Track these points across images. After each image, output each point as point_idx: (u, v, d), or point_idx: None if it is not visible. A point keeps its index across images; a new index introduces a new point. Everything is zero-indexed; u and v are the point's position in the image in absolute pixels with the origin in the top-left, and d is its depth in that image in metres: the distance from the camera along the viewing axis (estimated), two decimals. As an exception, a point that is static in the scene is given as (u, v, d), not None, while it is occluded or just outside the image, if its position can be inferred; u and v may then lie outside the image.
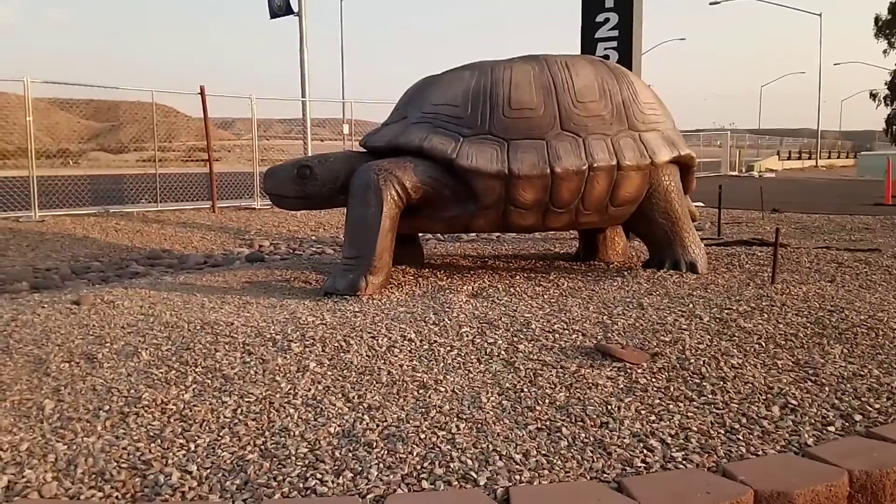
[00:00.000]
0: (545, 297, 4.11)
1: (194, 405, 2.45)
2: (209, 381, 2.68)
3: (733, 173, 28.06)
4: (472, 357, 2.95)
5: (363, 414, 2.38)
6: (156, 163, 10.58)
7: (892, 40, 43.62)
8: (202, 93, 9.81)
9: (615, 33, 6.70)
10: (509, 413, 2.38)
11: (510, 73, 4.53)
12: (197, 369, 2.81)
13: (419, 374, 2.75)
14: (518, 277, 4.77)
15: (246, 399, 2.50)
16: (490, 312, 3.66)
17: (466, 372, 2.78)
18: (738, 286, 4.29)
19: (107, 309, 3.92)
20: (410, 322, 3.48)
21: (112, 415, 2.38)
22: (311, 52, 12.56)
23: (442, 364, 2.88)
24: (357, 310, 3.79)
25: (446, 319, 3.52)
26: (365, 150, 4.88)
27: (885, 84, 44.53)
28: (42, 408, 2.44)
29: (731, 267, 5.08)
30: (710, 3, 38.73)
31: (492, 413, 2.38)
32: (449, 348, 3.06)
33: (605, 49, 6.75)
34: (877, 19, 43.62)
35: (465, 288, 4.39)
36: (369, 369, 2.80)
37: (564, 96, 4.50)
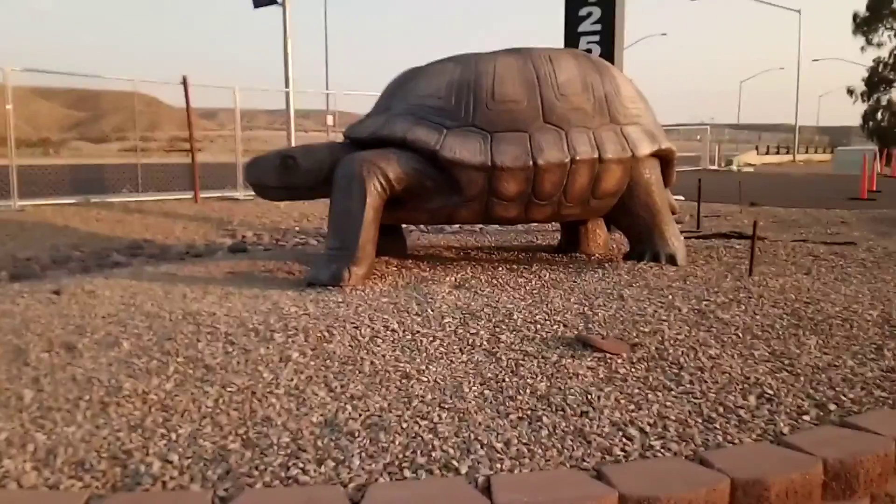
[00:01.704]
0: (527, 288, 4.14)
1: (175, 395, 2.44)
2: (191, 372, 2.67)
3: (713, 167, 28.33)
4: (455, 347, 2.97)
5: (346, 403, 2.39)
6: (138, 153, 10.45)
7: (870, 37, 44.10)
8: (185, 83, 9.70)
9: (598, 27, 6.74)
10: (491, 403, 2.41)
11: (494, 65, 4.54)
12: (178, 359, 2.80)
13: (402, 365, 2.76)
14: (500, 269, 4.79)
15: (228, 389, 2.50)
16: (472, 303, 3.68)
17: (449, 362, 2.80)
18: (717, 278, 4.35)
19: (87, 299, 3.89)
20: (393, 313, 3.49)
21: (92, 405, 2.36)
22: (295, 43, 12.46)
23: (425, 354, 2.89)
24: (340, 300, 3.79)
25: (429, 310, 3.53)
26: (349, 142, 4.87)
27: (863, 80, 45.05)
28: (21, 398, 2.42)
29: (709, 259, 5.14)
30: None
31: (474, 403, 2.40)
32: (432, 339, 3.08)
33: (588, 43, 6.78)
34: (855, 16, 44.04)
35: (447, 279, 4.40)
36: (352, 359, 2.81)
37: (547, 89, 4.51)
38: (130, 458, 1.99)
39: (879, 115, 44.71)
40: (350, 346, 2.98)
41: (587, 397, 2.45)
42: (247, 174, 4.74)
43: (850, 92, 45.95)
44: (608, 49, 6.61)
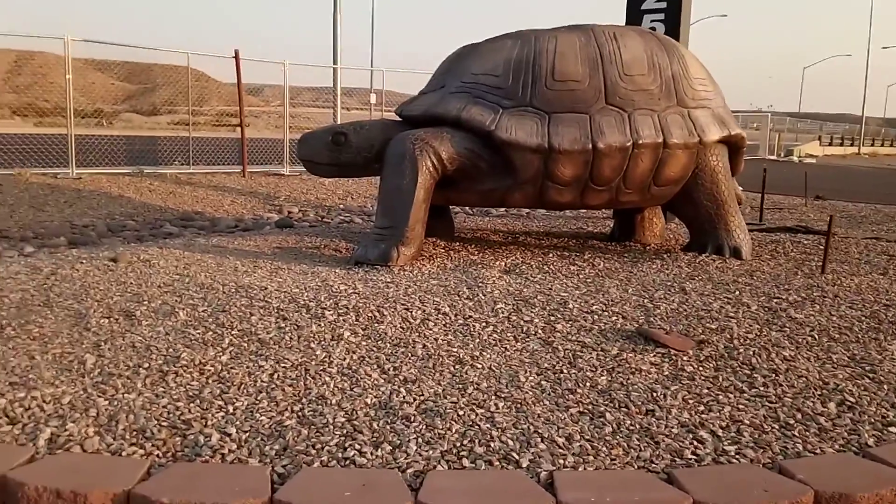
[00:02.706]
0: (580, 276, 4.02)
1: (231, 367, 2.43)
2: (245, 345, 2.65)
3: (771, 157, 27.37)
4: (509, 334, 2.89)
5: (399, 387, 2.33)
6: (189, 126, 10.57)
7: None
8: (236, 57, 9.73)
9: (663, 4, 6.47)
10: (549, 394, 2.32)
11: (555, 42, 4.38)
12: (233, 332, 2.79)
13: (455, 350, 2.69)
14: (551, 255, 4.68)
15: (282, 364, 2.48)
16: (525, 290, 3.59)
17: (503, 349, 2.72)
18: (786, 275, 4.15)
19: (143, 267, 3.93)
20: (444, 295, 3.42)
21: (152, 373, 2.36)
22: (342, 20, 12.39)
23: (478, 340, 2.82)
24: (389, 280, 3.75)
25: (480, 295, 3.46)
26: (400, 120, 4.79)
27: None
28: (83, 362, 2.44)
29: (775, 254, 4.92)
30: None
31: (531, 393, 2.32)
32: (484, 324, 3.00)
33: (652, 21, 6.53)
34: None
35: (497, 263, 4.31)
36: (404, 341, 2.76)
37: (611, 69, 4.34)
38: (190, 429, 1.98)
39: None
40: (401, 327, 2.93)
41: (652, 395, 2.34)
42: (298, 150, 4.71)
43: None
44: (673, 28, 6.35)
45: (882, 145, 48.75)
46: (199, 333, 2.76)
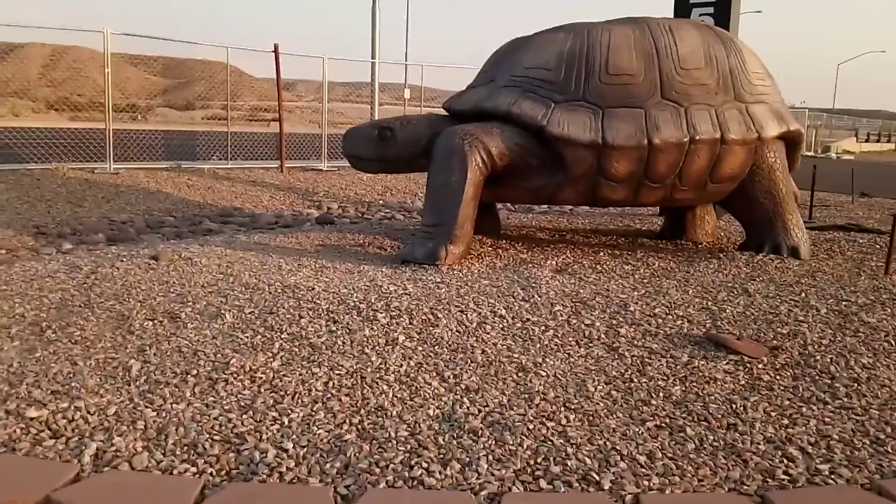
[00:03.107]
0: (636, 276, 3.85)
1: (284, 375, 2.33)
2: (296, 350, 2.55)
3: (809, 154, 26.62)
4: (570, 339, 2.75)
5: (462, 396, 2.21)
6: (228, 121, 10.57)
7: None
8: (276, 51, 9.69)
9: (713, -2, 6.22)
10: (622, 406, 2.17)
11: (609, 35, 4.21)
12: (283, 336, 2.69)
13: (515, 356, 2.56)
14: (602, 254, 4.51)
15: (336, 372, 2.37)
16: (581, 291, 3.44)
17: (566, 356, 2.58)
18: (849, 276, 3.93)
19: (185, 266, 3.86)
20: (498, 297, 3.29)
21: (200, 380, 2.27)
22: (381, 14, 12.29)
23: (538, 345, 2.68)
24: (439, 280, 3.62)
25: (536, 296, 3.32)
26: (447, 114, 4.66)
27: None
28: (128, 368, 2.36)
29: (831, 253, 4.69)
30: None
31: (602, 404, 2.18)
32: (543, 328, 2.86)
33: (701, 15, 6.29)
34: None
35: (548, 263, 4.16)
36: (462, 346, 2.63)
37: (667, 62, 4.15)
38: (244, 444, 1.88)
39: None
40: (458, 331, 2.80)
41: (732, 407, 2.18)
42: (343, 145, 4.61)
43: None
44: (723, 22, 6.10)
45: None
46: (247, 337, 2.67)
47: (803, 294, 3.43)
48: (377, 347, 2.60)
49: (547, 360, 2.53)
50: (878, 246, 5.03)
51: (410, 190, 8.89)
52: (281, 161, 9.87)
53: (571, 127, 4.04)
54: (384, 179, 9.48)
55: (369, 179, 9.47)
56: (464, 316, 2.97)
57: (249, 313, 2.96)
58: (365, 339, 2.67)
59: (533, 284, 3.55)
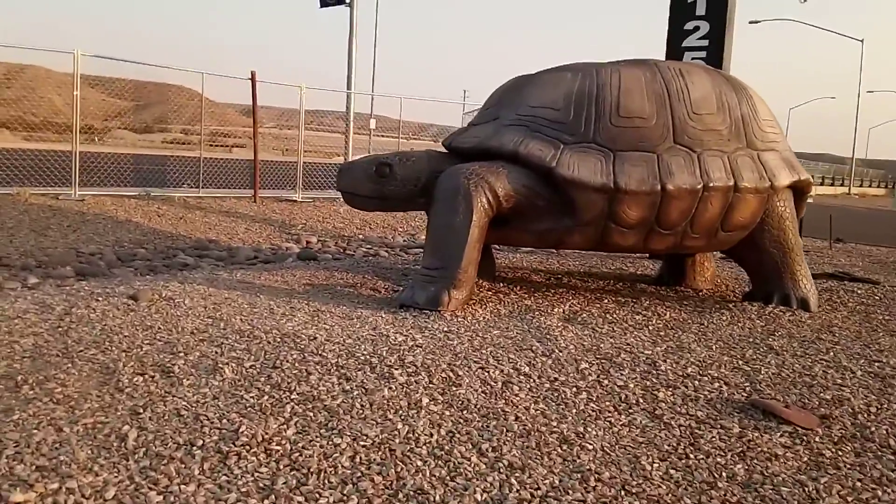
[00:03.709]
0: (650, 328, 3.68)
1: (303, 447, 2.04)
2: (311, 415, 2.27)
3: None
4: (607, 403, 2.53)
5: (507, 475, 1.96)
6: (200, 147, 10.19)
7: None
8: (253, 79, 9.43)
9: (705, 42, 6.24)
10: (686, 490, 1.96)
11: (619, 77, 4.10)
12: (293, 396, 2.41)
13: (553, 423, 2.33)
14: (607, 301, 4.34)
15: (361, 442, 2.10)
16: (601, 345, 3.24)
17: (608, 424, 2.36)
18: (866, 332, 3.84)
19: (168, 308, 3.54)
20: (516, 351, 3.07)
21: (209, 453, 1.97)
22: (357, 45, 12.16)
23: (574, 410, 2.46)
24: (447, 329, 3.39)
25: (555, 350, 3.10)
26: (446, 151, 4.48)
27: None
28: (123, 437, 2.04)
29: (835, 305, 4.62)
30: (750, 22, 37.90)
31: (664, 487, 1.96)
32: (574, 389, 2.65)
33: (693, 59, 6.29)
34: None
35: (555, 311, 3.97)
36: (492, 411, 2.39)
37: (679, 106, 4.06)
38: (272, 542, 1.59)
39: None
40: (483, 392, 2.56)
41: (804, 490, 1.99)
42: (338, 181, 4.36)
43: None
44: (715, 67, 6.11)
45: (870, 186, 49.33)
46: (252, 398, 2.38)
47: (831, 353, 3.31)
48: (400, 412, 2.34)
49: (588, 429, 2.31)
50: (877, 297, 4.99)
51: (389, 224, 8.66)
52: (255, 191, 9.53)
53: (582, 170, 3.89)
54: (362, 213, 9.23)
55: (347, 212, 9.22)
56: (486, 374, 2.74)
57: (250, 367, 2.66)
58: (385, 402, 2.40)
59: (547, 336, 3.35)
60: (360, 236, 7.89)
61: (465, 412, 2.37)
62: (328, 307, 3.76)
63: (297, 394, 2.43)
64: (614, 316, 3.92)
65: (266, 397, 2.39)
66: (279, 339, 3.03)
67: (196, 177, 9.77)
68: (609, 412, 2.46)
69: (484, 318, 3.72)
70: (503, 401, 2.49)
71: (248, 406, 2.31)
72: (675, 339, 3.44)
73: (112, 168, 10.29)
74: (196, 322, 3.28)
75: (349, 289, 4.42)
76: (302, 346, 2.93)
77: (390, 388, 2.53)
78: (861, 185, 47.21)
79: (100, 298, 3.68)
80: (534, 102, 4.15)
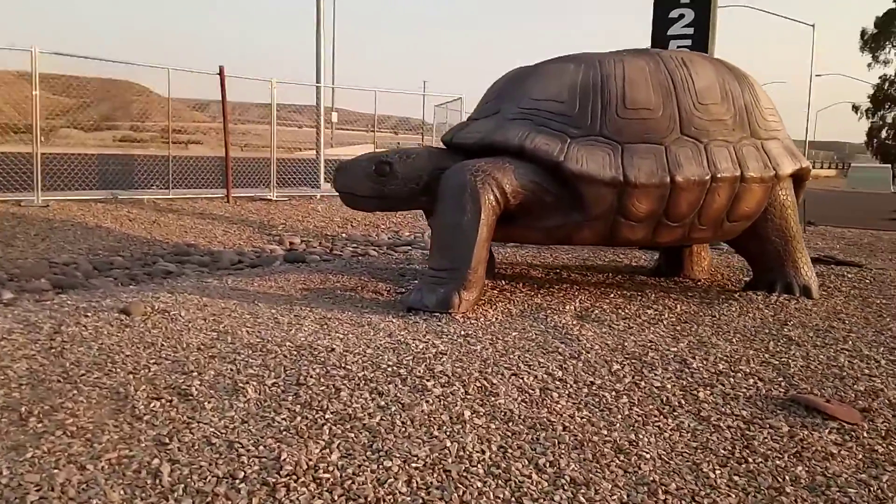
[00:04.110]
0: (665, 323, 3.64)
1: (353, 473, 1.91)
2: (353, 436, 2.14)
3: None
4: (650, 407, 2.46)
5: (573, 493, 1.87)
6: (169, 146, 9.80)
7: (877, 54, 44.13)
8: (221, 74, 9.10)
9: (690, 31, 6.25)
10: (754, 497, 1.89)
11: (622, 67, 4.03)
12: (327, 416, 2.27)
13: (604, 432, 2.24)
14: (614, 295, 4.29)
15: (412, 465, 1.97)
16: (625, 343, 3.18)
17: (657, 429, 2.29)
18: (873, 317, 3.87)
19: (166, 322, 3.34)
20: (542, 354, 2.98)
21: (254, 486, 1.83)
22: (325, 38, 11.88)
23: (619, 416, 2.38)
24: (463, 333, 3.28)
25: (583, 352, 3.02)
26: (446, 148, 4.35)
27: (868, 97, 45.01)
28: (156, 473, 1.87)
29: (830, 290, 4.66)
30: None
31: (734, 497, 1.89)
32: (613, 393, 2.57)
33: (678, 48, 6.28)
34: (863, 33, 44.11)
35: (566, 308, 3.89)
36: (538, 422, 2.29)
37: (685, 97, 4.01)
38: (349, 586, 1.46)
39: (884, 133, 44.82)
40: (523, 401, 2.46)
41: (869, 490, 1.94)
42: (335, 181, 4.19)
43: (856, 108, 45.97)
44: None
45: (821, 168, 50.85)
46: (285, 420, 2.23)
47: (850, 342, 3.31)
48: (444, 427, 2.22)
49: (640, 436, 2.23)
50: (867, 280, 5.07)
51: (371, 222, 8.48)
52: (227, 191, 9.22)
53: (590, 163, 3.81)
54: (341, 210, 9.03)
55: (326, 210, 9.01)
56: (520, 381, 2.64)
57: (273, 385, 2.51)
58: (426, 417, 2.28)
59: (568, 336, 3.27)
60: (344, 235, 7.70)
61: (510, 424, 2.27)
62: (334, 314, 3.61)
63: (332, 413, 2.29)
64: (626, 311, 3.86)
65: (299, 418, 2.24)
66: (295, 353, 2.87)
67: (164, 178, 9.39)
68: (655, 416, 2.39)
69: (497, 319, 3.62)
70: (545, 409, 2.40)
71: (283, 429, 2.16)
72: (693, 334, 3.40)
73: (71, 170, 9.81)
74: (200, 337, 3.10)
75: (349, 293, 4.27)
76: (322, 359, 2.79)
77: (427, 401, 2.40)
78: (813, 167, 48.61)
79: (88, 314, 3.45)
80: (537, 95, 4.05)
